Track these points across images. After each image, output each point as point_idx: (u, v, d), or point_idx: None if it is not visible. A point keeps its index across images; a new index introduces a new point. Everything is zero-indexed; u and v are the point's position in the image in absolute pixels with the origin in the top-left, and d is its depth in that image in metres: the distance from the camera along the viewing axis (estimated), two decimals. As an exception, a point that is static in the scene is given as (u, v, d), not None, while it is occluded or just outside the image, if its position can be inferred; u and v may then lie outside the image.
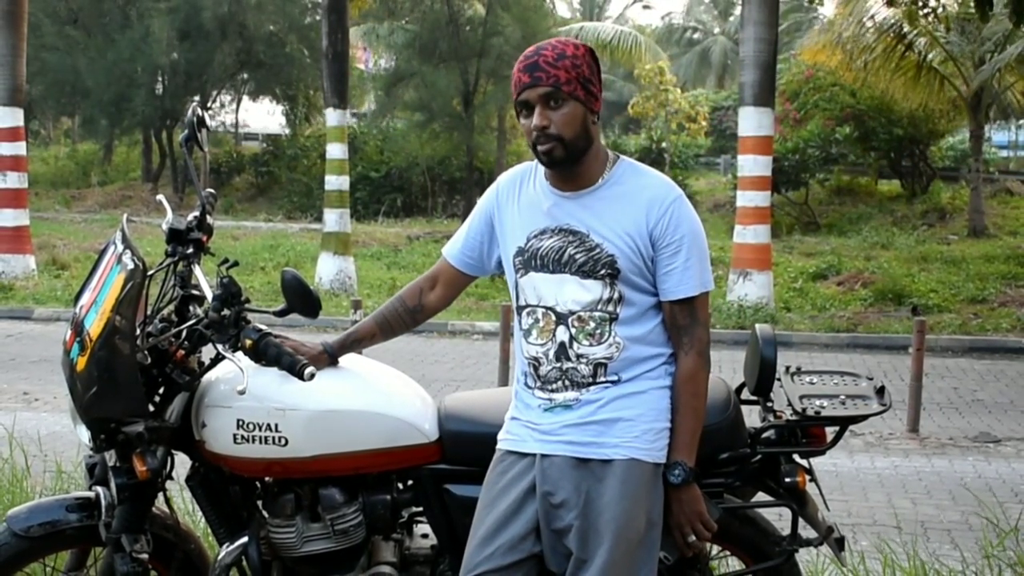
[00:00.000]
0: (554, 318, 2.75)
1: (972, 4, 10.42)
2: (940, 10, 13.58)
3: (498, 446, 2.86)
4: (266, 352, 2.75)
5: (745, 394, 3.25)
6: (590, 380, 2.74)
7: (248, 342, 2.76)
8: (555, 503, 2.71)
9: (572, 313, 2.73)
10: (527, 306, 2.80)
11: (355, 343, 3.09)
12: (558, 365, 2.75)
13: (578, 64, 2.65)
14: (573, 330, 2.73)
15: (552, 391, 2.76)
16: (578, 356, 2.74)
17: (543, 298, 2.76)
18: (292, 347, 2.91)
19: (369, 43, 24.75)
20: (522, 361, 2.83)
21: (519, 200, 2.85)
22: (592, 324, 2.73)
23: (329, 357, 3.02)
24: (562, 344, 2.74)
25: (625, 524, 2.66)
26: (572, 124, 2.66)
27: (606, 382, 2.74)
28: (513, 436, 2.82)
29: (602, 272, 2.71)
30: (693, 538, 2.80)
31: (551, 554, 2.73)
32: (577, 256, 2.72)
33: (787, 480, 3.08)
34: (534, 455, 2.76)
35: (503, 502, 2.74)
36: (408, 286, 3.14)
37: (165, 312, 3.05)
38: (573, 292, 2.72)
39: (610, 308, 2.72)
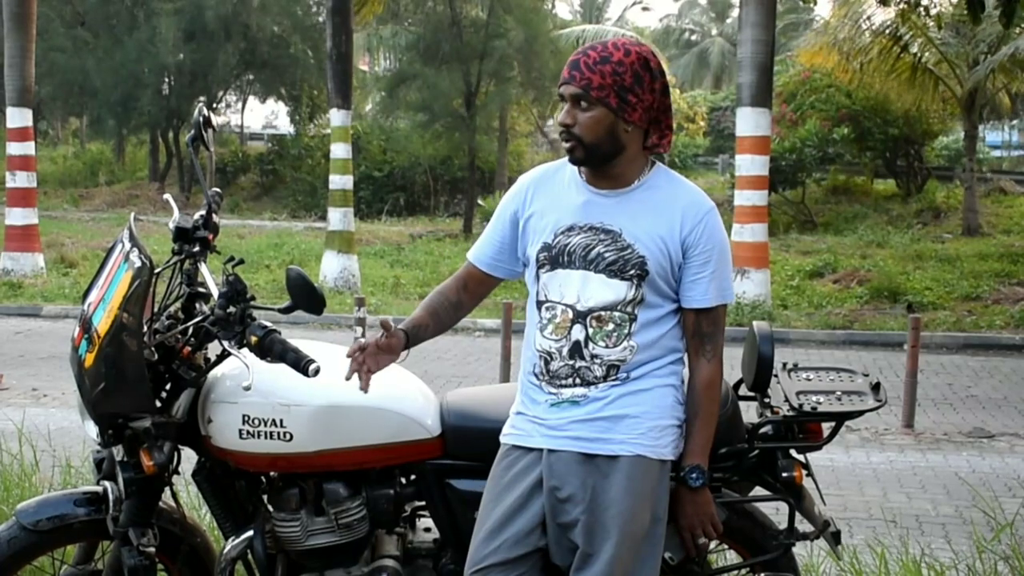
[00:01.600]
0: (572, 315, 2.73)
1: (965, 5, 10.41)
2: (933, 9, 13.56)
3: (504, 440, 2.85)
4: (271, 348, 2.74)
5: (743, 390, 3.24)
6: (600, 379, 2.73)
7: (254, 339, 2.76)
8: (561, 498, 2.70)
9: (591, 312, 2.71)
10: (547, 301, 2.77)
11: (416, 328, 2.90)
12: (571, 363, 2.74)
13: (620, 71, 2.61)
14: (590, 330, 2.72)
15: (560, 386, 2.75)
16: (592, 356, 2.72)
17: (565, 295, 2.74)
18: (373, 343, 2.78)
19: (372, 46, 24.75)
20: (533, 353, 2.81)
21: (547, 196, 2.82)
22: (611, 326, 2.71)
23: (408, 339, 2.87)
24: (577, 343, 2.73)
25: (630, 519, 2.66)
26: (594, 129, 2.64)
27: (615, 380, 2.73)
28: (519, 431, 2.82)
29: (631, 272, 2.69)
30: (703, 539, 2.81)
31: (556, 548, 2.73)
32: (607, 254, 2.70)
33: (784, 475, 3.08)
34: (540, 450, 2.75)
35: (509, 496, 2.74)
36: (445, 283, 3.01)
37: (172, 309, 3.05)
38: (597, 290, 2.71)
39: (630, 310, 2.71)
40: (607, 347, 2.72)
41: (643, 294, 2.71)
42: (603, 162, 2.70)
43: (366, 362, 2.76)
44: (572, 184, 2.79)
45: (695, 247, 2.70)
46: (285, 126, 32.94)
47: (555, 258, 2.75)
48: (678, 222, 2.70)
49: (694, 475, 2.74)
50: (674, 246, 2.70)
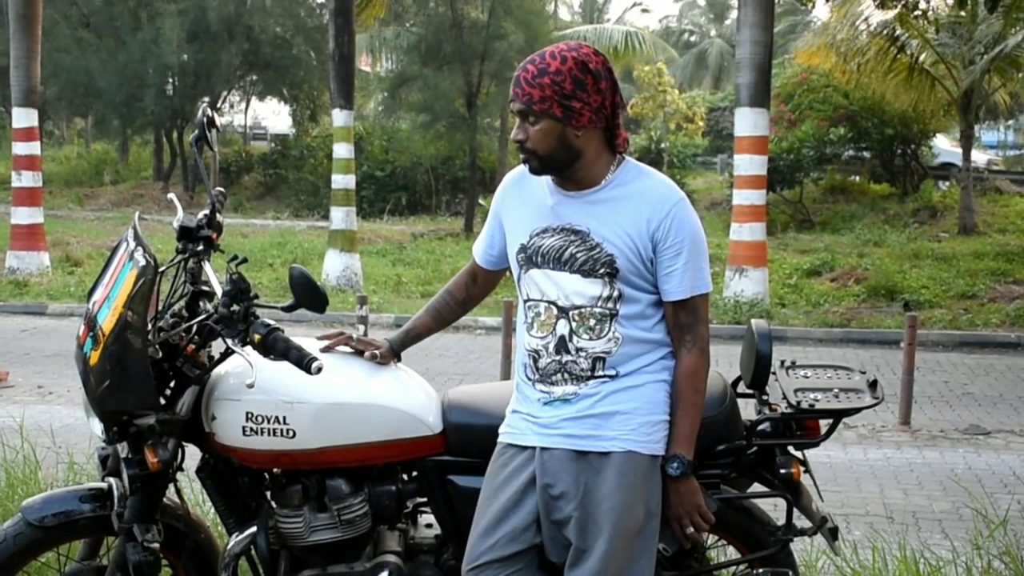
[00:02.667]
0: (555, 312, 2.75)
1: (958, 4, 10.41)
2: (930, 12, 13.57)
3: (499, 439, 2.86)
4: (274, 346, 2.74)
5: (741, 387, 3.25)
6: (588, 374, 2.73)
7: (257, 337, 2.76)
8: (554, 495, 2.71)
9: (575, 307, 2.73)
10: (529, 300, 2.80)
11: (414, 338, 3.19)
12: (557, 358, 2.75)
13: (559, 80, 2.60)
14: (574, 324, 2.73)
15: (551, 384, 2.76)
16: (577, 350, 2.73)
17: (545, 293, 2.76)
18: (362, 342, 3.10)
19: (374, 47, 24.75)
20: (523, 353, 2.83)
21: (523, 198, 2.85)
22: (593, 320, 2.72)
23: (394, 353, 3.12)
24: (562, 337, 2.74)
25: (624, 515, 2.67)
26: (545, 141, 2.66)
27: (604, 376, 2.73)
28: (513, 429, 2.83)
29: (601, 271, 2.70)
30: (691, 530, 2.81)
31: (551, 544, 2.74)
32: (578, 255, 2.72)
33: (782, 471, 3.08)
34: (534, 448, 2.76)
35: (504, 494, 2.75)
36: (454, 280, 3.21)
37: (176, 307, 3.05)
38: (574, 288, 2.72)
39: (610, 305, 2.72)
40: (591, 339, 2.73)
41: (620, 290, 2.72)
42: (563, 170, 2.72)
43: (347, 344, 3.09)
44: (545, 186, 2.81)
45: (664, 241, 2.70)
46: (273, 126, 32.98)
47: (530, 259, 2.78)
48: (645, 217, 2.70)
49: (674, 464, 2.74)
50: (643, 242, 2.70)
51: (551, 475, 2.72)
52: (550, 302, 2.76)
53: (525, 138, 2.67)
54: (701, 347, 2.77)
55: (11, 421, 5.42)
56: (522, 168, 2.90)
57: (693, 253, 2.72)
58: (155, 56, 23.69)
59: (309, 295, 2.81)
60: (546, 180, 2.81)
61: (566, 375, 2.75)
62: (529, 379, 2.81)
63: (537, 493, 2.73)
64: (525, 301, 2.82)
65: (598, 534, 2.67)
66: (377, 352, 3.06)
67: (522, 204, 2.85)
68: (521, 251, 2.81)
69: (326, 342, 3.08)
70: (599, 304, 2.72)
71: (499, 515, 2.73)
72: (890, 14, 14.12)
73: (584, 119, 2.65)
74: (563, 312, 2.74)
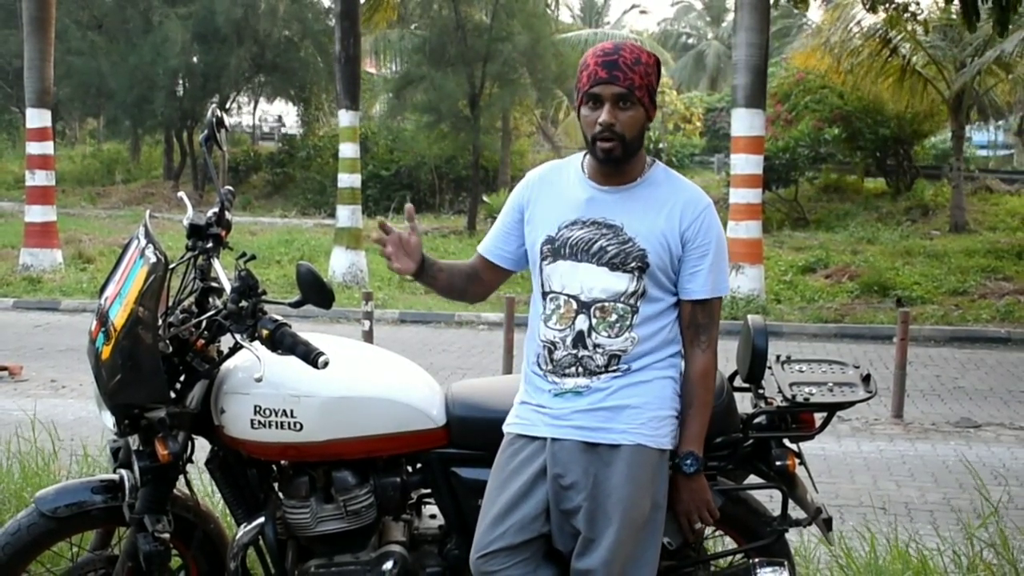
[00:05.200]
0: (575, 306, 2.74)
1: (954, 12, 10.39)
2: (920, 14, 13.55)
3: (508, 429, 2.85)
4: (282, 341, 2.74)
5: (738, 382, 3.24)
6: (602, 369, 2.73)
7: (265, 332, 2.76)
8: (565, 485, 2.71)
9: (596, 302, 2.72)
10: (551, 292, 2.78)
11: (432, 266, 2.88)
12: (574, 352, 2.74)
13: (649, 72, 2.66)
14: (594, 320, 2.72)
15: (563, 376, 2.75)
16: (595, 346, 2.72)
17: (567, 286, 2.75)
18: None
19: (379, 49, 24.75)
20: (537, 344, 2.81)
21: (551, 192, 2.83)
22: (614, 316, 2.72)
23: (423, 265, 2.85)
24: (580, 332, 2.73)
25: (631, 506, 2.67)
26: (634, 127, 2.67)
27: (616, 371, 2.73)
28: (523, 420, 2.82)
29: (632, 265, 2.70)
30: (699, 524, 2.82)
31: (559, 534, 2.74)
32: (609, 248, 2.71)
33: (778, 463, 3.09)
34: (544, 439, 2.75)
35: (514, 484, 2.74)
36: (462, 266, 2.98)
37: (186, 303, 3.06)
38: (599, 282, 2.71)
39: (632, 302, 2.71)
40: (609, 337, 2.72)
41: (645, 287, 2.71)
42: (627, 160, 2.71)
43: (388, 246, 2.80)
44: (576, 181, 2.80)
45: (693, 241, 2.72)
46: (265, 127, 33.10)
47: (557, 250, 2.76)
48: (677, 217, 2.71)
49: (688, 462, 2.75)
50: (674, 240, 2.71)
51: (562, 465, 2.72)
52: (571, 296, 2.74)
53: (615, 122, 2.64)
54: (713, 348, 2.79)
55: (25, 414, 5.42)
56: (547, 166, 2.91)
57: (717, 256, 2.75)
58: (165, 58, 23.69)
59: (316, 291, 2.81)
60: (577, 175, 2.81)
61: (580, 368, 2.74)
62: (540, 369, 2.80)
63: (548, 483, 2.73)
64: (546, 293, 2.79)
65: (607, 524, 2.67)
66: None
67: (551, 197, 2.83)
68: (548, 242, 2.78)
69: (331, 338, 3.08)
70: (622, 300, 2.71)
71: (509, 504, 2.73)
72: (882, 16, 14.08)
73: (653, 112, 2.72)
74: (584, 307, 2.73)
